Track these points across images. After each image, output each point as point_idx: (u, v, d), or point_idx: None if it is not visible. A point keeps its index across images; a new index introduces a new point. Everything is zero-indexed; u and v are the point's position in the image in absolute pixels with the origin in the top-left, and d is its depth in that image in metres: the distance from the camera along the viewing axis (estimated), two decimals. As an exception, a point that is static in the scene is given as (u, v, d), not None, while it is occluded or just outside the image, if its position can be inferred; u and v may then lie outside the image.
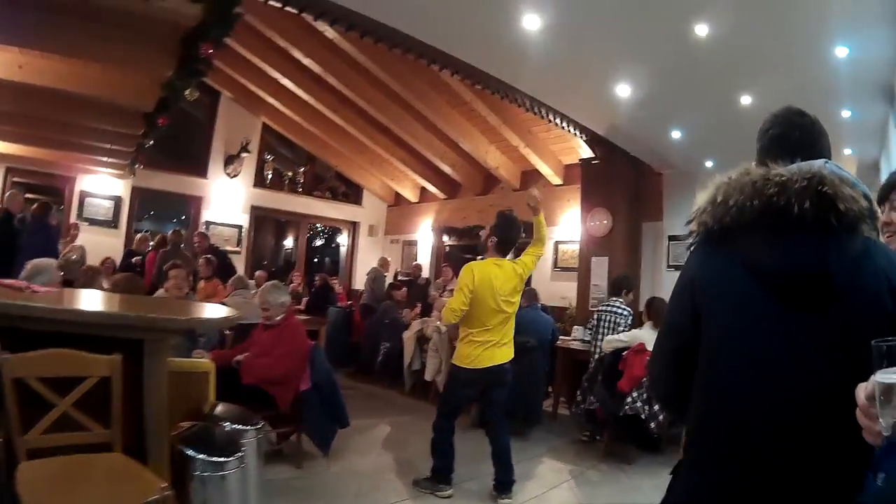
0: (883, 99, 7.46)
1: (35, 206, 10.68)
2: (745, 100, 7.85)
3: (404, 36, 7.27)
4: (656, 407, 6.72)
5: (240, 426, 3.88)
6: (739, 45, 6.65)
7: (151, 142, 10.12)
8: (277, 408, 5.85)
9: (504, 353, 5.76)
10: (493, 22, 6.68)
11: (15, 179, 13.34)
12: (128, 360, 3.19)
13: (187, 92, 7.43)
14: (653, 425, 6.75)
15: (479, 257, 6.35)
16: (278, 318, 6.22)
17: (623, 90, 8.15)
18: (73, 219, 13.45)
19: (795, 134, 2.13)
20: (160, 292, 7.61)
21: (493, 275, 5.70)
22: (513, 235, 6.00)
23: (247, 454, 3.69)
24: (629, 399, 6.88)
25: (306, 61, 11.66)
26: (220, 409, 4.14)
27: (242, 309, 7.80)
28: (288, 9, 6.97)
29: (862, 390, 1.37)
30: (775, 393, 1.74)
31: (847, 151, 9.71)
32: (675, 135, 9.63)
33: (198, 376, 4.28)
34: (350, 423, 6.56)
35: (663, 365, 2.17)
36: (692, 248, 2.08)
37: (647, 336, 7.32)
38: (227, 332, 7.27)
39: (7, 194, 11.36)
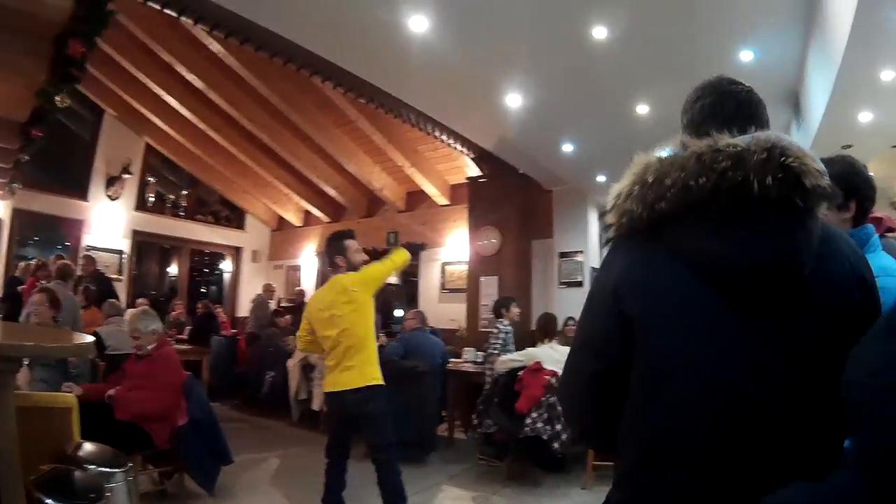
0: (786, 106, 7.51)
1: None
2: (642, 109, 7.77)
3: (287, 43, 6.87)
4: (559, 426, 6.52)
5: (106, 468, 3.45)
6: (638, 49, 6.51)
7: (27, 157, 9.41)
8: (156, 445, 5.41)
9: (346, 379, 5.08)
10: (379, 25, 6.27)
11: None
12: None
13: (58, 98, 6.88)
14: (556, 445, 6.52)
15: None
16: (150, 347, 5.68)
17: (514, 100, 7.90)
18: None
19: (731, 104, 1.81)
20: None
21: (320, 293, 5.52)
22: (327, 255, 5.59)
23: (114, 499, 3.28)
24: (529, 420, 6.63)
25: (190, 77, 11.23)
26: (85, 449, 3.69)
27: (114, 338, 7.36)
28: (168, 11, 6.52)
29: None
30: (738, 420, 1.42)
31: None
32: (567, 148, 9.50)
33: (59, 412, 3.82)
34: (235, 458, 6.11)
35: (583, 393, 1.75)
36: (611, 247, 1.72)
37: (542, 354, 7.14)
38: (100, 362, 6.75)
39: None
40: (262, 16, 6.36)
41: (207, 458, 5.83)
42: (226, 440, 6.01)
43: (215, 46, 9.84)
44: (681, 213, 1.48)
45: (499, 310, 8.53)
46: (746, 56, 6.41)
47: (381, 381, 5.14)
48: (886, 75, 5.84)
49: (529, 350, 7.44)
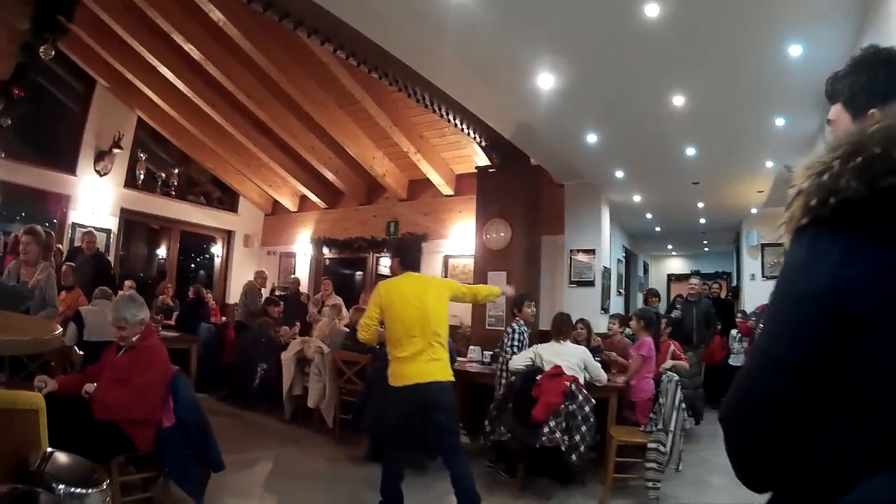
0: (822, 106, 7.01)
1: None
2: (678, 100, 7.36)
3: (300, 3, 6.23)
4: (577, 437, 6.08)
5: (79, 488, 2.86)
6: (686, 32, 6.04)
7: (9, 120, 8.72)
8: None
9: (433, 370, 5.20)
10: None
11: None
12: None
13: (42, 49, 6.32)
14: (574, 457, 6.05)
15: None
16: (134, 338, 5.00)
17: (545, 81, 7.29)
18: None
19: None
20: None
21: (404, 284, 5.44)
22: (414, 254, 5.63)
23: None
24: (546, 429, 6.10)
25: (188, 47, 10.66)
26: (54, 462, 3.07)
27: (98, 323, 6.77)
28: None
29: None
30: None
31: (769, 164, 9.38)
32: (591, 139, 9.06)
33: (21, 415, 3.19)
34: (225, 463, 5.44)
35: (771, 422, 1.27)
36: (809, 236, 1.26)
37: (551, 355, 6.75)
38: (79, 351, 6.12)
39: None
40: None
41: (196, 464, 5.17)
42: (216, 444, 5.32)
43: (216, 14, 9.30)
44: None
45: (514, 308, 8.05)
46: (795, 51, 6.08)
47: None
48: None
49: (538, 347, 7.01)
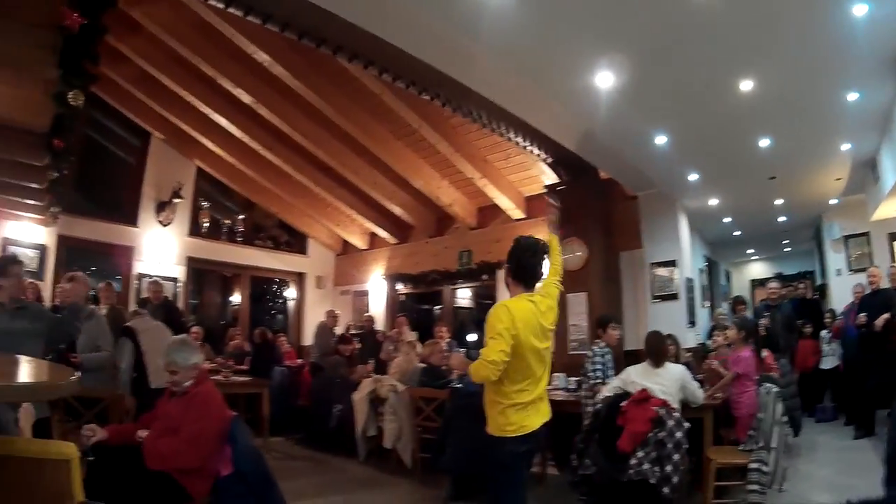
0: (894, 73, 6.72)
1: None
2: (745, 85, 6.95)
3: (336, 24, 5.88)
4: (668, 467, 5.51)
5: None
6: (747, 5, 5.59)
7: (57, 174, 8.59)
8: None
9: (547, 410, 4.26)
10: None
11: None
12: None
13: (71, 95, 6.11)
14: (666, 490, 5.47)
15: None
16: (187, 383, 4.71)
17: (604, 80, 6.85)
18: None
19: None
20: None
21: (531, 311, 4.14)
22: (533, 262, 4.30)
23: None
24: (633, 461, 5.59)
25: (237, 92, 10.59)
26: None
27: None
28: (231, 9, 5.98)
29: None
30: None
31: (845, 146, 8.89)
32: (660, 140, 8.60)
33: (52, 466, 2.90)
34: (291, 504, 5.06)
35: None
36: None
37: (641, 377, 6.23)
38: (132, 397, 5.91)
39: None
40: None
41: (257, 515, 4.83)
42: (281, 494, 4.96)
43: (261, 56, 9.20)
44: None
45: (596, 330, 7.65)
46: (860, 10, 5.58)
47: None
48: None
49: (629, 370, 6.51)
